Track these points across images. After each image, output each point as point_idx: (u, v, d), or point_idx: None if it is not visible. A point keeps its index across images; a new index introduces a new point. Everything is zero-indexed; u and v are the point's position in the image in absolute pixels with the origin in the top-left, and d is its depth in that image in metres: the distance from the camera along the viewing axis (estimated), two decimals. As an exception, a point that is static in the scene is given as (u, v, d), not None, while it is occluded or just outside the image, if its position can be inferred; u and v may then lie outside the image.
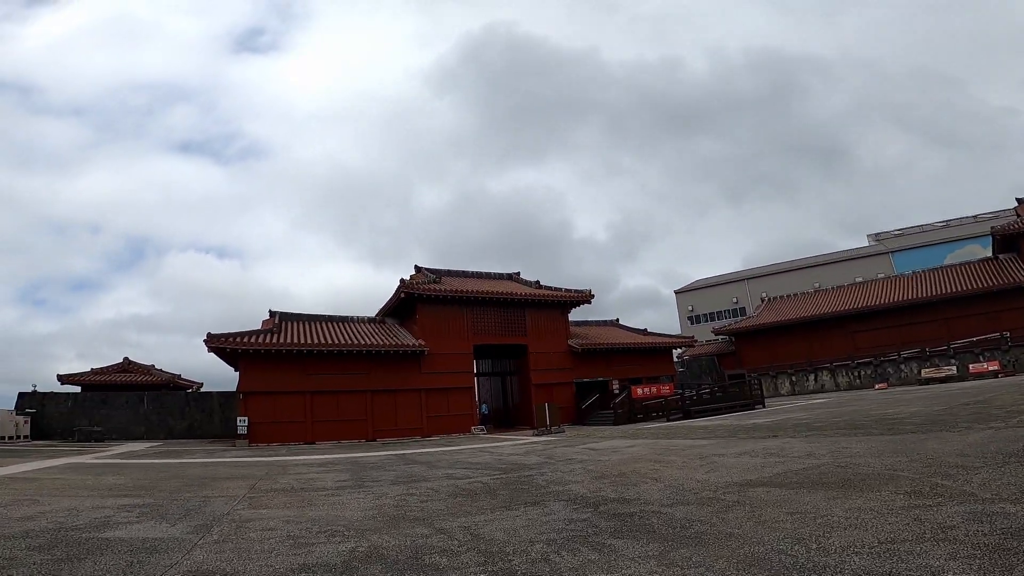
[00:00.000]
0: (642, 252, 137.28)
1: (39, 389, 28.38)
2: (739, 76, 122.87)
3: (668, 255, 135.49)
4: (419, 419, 25.23)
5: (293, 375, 23.20)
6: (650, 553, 4.24)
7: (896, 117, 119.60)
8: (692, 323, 63.84)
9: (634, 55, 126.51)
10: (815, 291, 46.03)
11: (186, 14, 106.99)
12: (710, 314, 63.77)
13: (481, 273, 32.46)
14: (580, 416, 28.26)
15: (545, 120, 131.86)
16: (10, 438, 24.58)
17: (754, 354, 41.49)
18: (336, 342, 23.96)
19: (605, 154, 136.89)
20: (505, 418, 31.41)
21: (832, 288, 44.74)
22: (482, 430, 26.08)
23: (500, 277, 32.65)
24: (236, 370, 24.53)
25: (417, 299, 26.34)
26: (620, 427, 23.15)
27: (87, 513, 6.49)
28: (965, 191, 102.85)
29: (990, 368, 28.55)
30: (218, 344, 21.73)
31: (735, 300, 63.14)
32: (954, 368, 30.92)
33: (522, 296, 28.88)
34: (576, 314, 32.35)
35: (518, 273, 33.12)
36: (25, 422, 25.97)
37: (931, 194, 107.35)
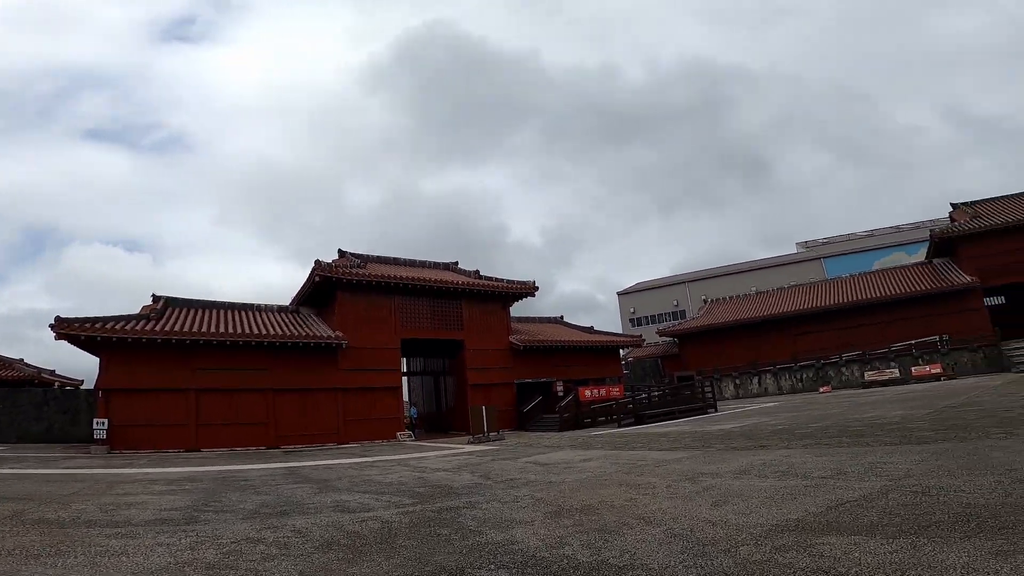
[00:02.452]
0: (577, 258, 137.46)
1: None
2: (673, 85, 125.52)
3: (603, 262, 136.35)
4: (335, 423, 21.54)
5: (175, 370, 18.94)
6: None
7: (814, 133, 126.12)
8: (634, 325, 62.93)
9: (574, 60, 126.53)
10: (756, 294, 45.72)
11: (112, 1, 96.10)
12: (652, 316, 63.12)
13: (414, 261, 28.94)
14: (521, 421, 25.44)
15: (483, 122, 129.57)
16: None
17: (698, 356, 40.32)
18: (229, 331, 19.85)
19: (542, 159, 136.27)
20: (439, 423, 28.13)
21: (772, 290, 44.51)
22: (409, 436, 22.74)
23: (435, 266, 29.29)
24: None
25: (336, 285, 22.58)
26: (567, 434, 20.54)
27: None
28: (877, 207, 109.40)
29: (932, 371, 28.22)
30: (70, 331, 17.06)
31: (675, 303, 62.79)
32: (896, 371, 30.61)
33: (459, 285, 25.68)
34: (518, 310, 29.61)
35: (456, 263, 29.87)
36: None
37: (846, 210, 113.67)
